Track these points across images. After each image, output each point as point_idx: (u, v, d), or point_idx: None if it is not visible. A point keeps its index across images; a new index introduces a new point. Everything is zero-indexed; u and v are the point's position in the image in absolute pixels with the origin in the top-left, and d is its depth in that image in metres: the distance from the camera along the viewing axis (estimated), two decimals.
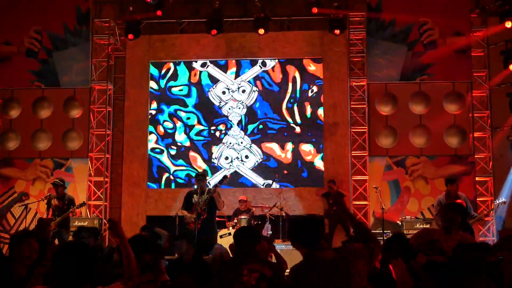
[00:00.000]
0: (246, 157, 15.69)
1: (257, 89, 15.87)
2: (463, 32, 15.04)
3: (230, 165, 15.67)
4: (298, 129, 15.66)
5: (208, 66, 16.09)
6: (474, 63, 15.00)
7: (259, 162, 15.62)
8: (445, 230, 6.75)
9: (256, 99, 15.84)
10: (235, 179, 15.47)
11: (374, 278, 5.40)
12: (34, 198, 14.73)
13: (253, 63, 16.01)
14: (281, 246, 11.74)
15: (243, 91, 15.94)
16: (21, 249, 5.52)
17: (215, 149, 15.75)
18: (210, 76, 16.04)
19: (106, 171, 15.40)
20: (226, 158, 15.74)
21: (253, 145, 15.69)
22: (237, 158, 15.71)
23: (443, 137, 14.85)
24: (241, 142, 15.75)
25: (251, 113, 15.81)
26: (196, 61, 16.08)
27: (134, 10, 15.31)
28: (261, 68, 15.93)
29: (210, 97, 15.93)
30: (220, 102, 15.89)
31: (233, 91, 15.94)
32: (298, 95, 15.78)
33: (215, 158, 15.72)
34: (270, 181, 15.19)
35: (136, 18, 15.51)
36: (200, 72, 16.06)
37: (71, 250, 3.85)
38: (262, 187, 15.46)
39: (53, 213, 11.93)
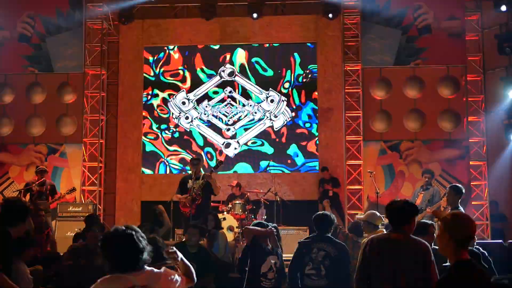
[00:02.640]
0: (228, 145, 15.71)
1: (285, 99, 15.77)
2: (458, 16, 15.01)
3: (191, 125, 15.73)
4: (292, 114, 15.64)
5: (235, 76, 15.95)
6: (468, 47, 14.98)
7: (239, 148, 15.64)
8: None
9: (252, 84, 15.80)
10: (229, 164, 15.50)
11: None
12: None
13: (246, 48, 15.94)
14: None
15: (272, 100, 15.77)
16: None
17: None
18: (205, 61, 15.98)
19: (100, 157, 15.37)
20: (187, 117, 15.81)
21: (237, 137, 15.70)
22: (198, 118, 15.76)
23: (437, 122, 14.88)
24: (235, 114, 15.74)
25: (245, 97, 15.78)
26: (223, 71, 15.90)
27: None
28: (257, 51, 15.89)
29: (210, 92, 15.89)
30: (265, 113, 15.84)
31: (261, 101, 15.84)
32: (292, 80, 15.75)
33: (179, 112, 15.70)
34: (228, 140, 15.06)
35: (130, 2, 15.42)
36: (194, 56, 16.00)
37: None
38: (221, 146, 15.55)
39: (31, 198, 12.02)
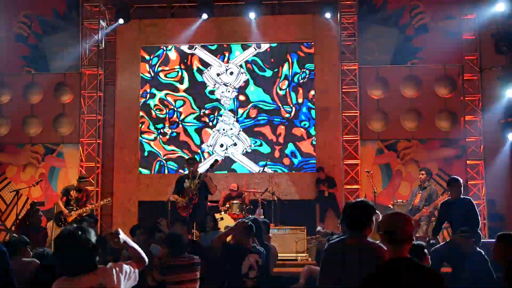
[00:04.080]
0: (235, 144, 15.67)
1: (244, 71, 15.83)
2: (455, 15, 15.01)
3: (225, 152, 15.65)
4: (289, 114, 15.63)
5: (195, 48, 16.01)
6: (465, 47, 14.99)
7: (246, 149, 15.60)
8: None
9: (248, 83, 15.79)
10: (227, 164, 15.49)
11: None
12: (25, 183, 14.69)
13: (244, 48, 15.94)
14: (273, 231, 11.75)
15: (231, 73, 15.88)
16: None
17: (210, 137, 15.70)
18: (201, 61, 15.98)
19: (98, 157, 15.35)
20: (221, 145, 15.71)
21: (241, 132, 15.67)
22: (232, 145, 15.67)
23: (434, 121, 14.90)
24: (231, 129, 15.72)
25: (242, 97, 15.77)
26: (186, 46, 16.00)
27: None
28: (255, 50, 15.86)
29: (205, 80, 15.86)
30: (215, 85, 15.81)
31: (220, 74, 15.89)
32: (289, 79, 15.75)
33: (210, 145, 15.68)
34: (262, 168, 15.14)
35: (126, 2, 15.41)
36: (191, 56, 15.99)
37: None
38: (255, 172, 15.45)
39: (68, 203, 11.98)
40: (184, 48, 16.00)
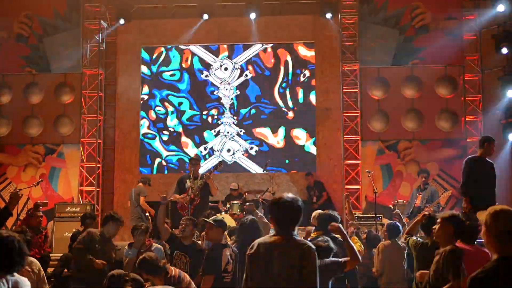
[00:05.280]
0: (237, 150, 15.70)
1: (239, 67, 15.83)
2: (455, 16, 15.02)
3: (233, 157, 15.65)
4: (290, 114, 15.64)
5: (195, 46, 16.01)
6: (466, 47, 14.99)
7: (247, 149, 15.61)
8: None
9: (248, 83, 15.80)
10: (228, 165, 15.48)
11: None
12: (26, 184, 14.68)
13: (245, 48, 15.95)
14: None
15: (225, 69, 15.87)
16: None
17: (216, 141, 15.69)
18: (202, 61, 15.98)
19: (98, 157, 15.35)
20: (228, 150, 15.71)
21: (235, 136, 15.67)
22: (239, 150, 15.66)
23: (435, 121, 14.88)
24: (230, 126, 15.72)
25: (242, 98, 15.77)
26: (186, 46, 16.01)
27: None
28: (262, 45, 15.86)
29: (205, 78, 15.86)
30: (215, 85, 15.80)
31: (215, 69, 15.88)
32: (290, 79, 15.75)
33: (218, 150, 15.67)
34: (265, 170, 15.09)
35: (127, 2, 15.41)
36: (192, 56, 15.99)
37: None
38: (256, 172, 15.45)
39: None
40: (184, 47, 16.01)
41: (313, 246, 4.45)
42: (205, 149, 15.71)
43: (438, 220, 5.54)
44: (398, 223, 9.31)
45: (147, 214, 12.34)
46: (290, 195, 4.67)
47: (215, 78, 15.87)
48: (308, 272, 4.33)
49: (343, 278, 6.82)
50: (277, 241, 4.46)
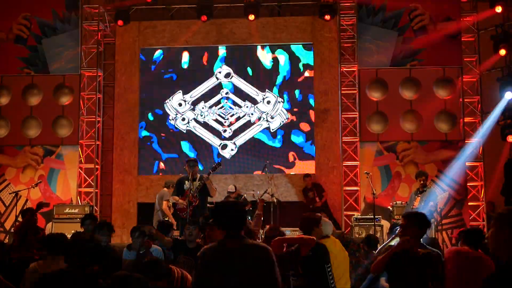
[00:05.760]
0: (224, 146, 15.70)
1: (281, 100, 15.82)
2: (453, 17, 15.03)
3: (187, 126, 15.71)
4: (288, 115, 15.64)
5: (232, 77, 15.98)
6: (464, 48, 15.00)
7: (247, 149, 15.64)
8: None
9: (247, 84, 15.81)
10: (227, 166, 15.48)
11: None
12: (24, 185, 14.69)
13: (244, 49, 15.95)
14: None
15: (268, 102, 15.81)
16: None
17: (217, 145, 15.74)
18: (201, 63, 15.98)
19: (97, 158, 15.34)
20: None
21: (230, 140, 15.69)
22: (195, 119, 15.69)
23: (433, 122, 14.86)
24: (229, 126, 15.73)
25: (241, 98, 15.79)
26: (220, 72, 15.97)
27: None
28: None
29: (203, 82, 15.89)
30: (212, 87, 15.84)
31: (257, 102, 15.86)
32: (288, 81, 15.75)
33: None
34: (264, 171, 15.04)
35: (126, 4, 15.42)
36: (191, 57, 16.01)
37: None
38: (218, 146, 15.55)
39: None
40: (221, 76, 16.02)
41: (268, 247, 4.37)
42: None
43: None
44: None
45: (167, 219, 12.29)
46: (233, 200, 4.65)
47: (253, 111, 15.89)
48: (272, 273, 4.26)
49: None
50: (231, 247, 4.34)
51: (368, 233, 10.71)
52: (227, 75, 15.91)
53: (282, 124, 15.63)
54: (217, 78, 15.90)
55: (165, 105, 15.88)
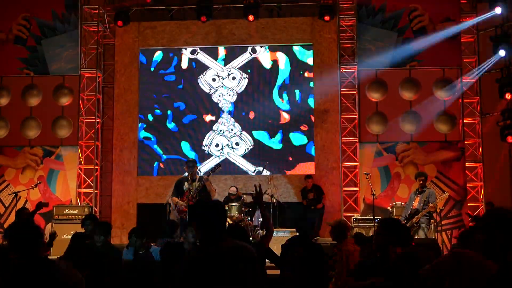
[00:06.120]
0: (237, 144, 15.68)
1: (247, 76, 15.84)
2: (453, 18, 15.03)
3: (221, 152, 15.65)
4: (288, 116, 15.65)
5: (198, 53, 16.02)
6: (464, 49, 15.01)
7: (249, 149, 15.62)
8: None
9: (246, 86, 15.82)
10: (225, 166, 15.47)
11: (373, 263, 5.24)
12: (24, 186, 14.69)
13: (242, 50, 15.96)
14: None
15: (233, 78, 15.89)
16: None
17: (206, 137, 15.72)
18: (200, 64, 15.98)
19: (96, 159, 15.34)
20: (217, 145, 15.71)
21: (243, 132, 15.67)
22: (228, 145, 15.68)
23: (433, 123, 14.87)
24: (232, 129, 15.72)
25: (241, 100, 15.79)
26: (185, 48, 16.02)
27: None
28: (251, 54, 15.89)
29: (200, 84, 15.89)
30: (210, 89, 15.85)
31: (223, 78, 15.90)
32: (288, 82, 15.76)
33: (206, 145, 15.70)
34: (260, 168, 15.18)
35: (125, 5, 15.42)
36: (190, 59, 16.00)
37: None
38: (252, 174, 15.46)
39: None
40: (186, 52, 16.01)
41: (247, 245, 4.14)
42: (202, 149, 15.71)
43: None
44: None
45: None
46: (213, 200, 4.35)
47: (213, 85, 15.85)
48: (249, 271, 4.01)
49: None
50: (213, 250, 4.04)
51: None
52: (193, 52, 15.97)
53: (246, 151, 15.62)
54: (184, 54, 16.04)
55: (199, 80, 15.90)
